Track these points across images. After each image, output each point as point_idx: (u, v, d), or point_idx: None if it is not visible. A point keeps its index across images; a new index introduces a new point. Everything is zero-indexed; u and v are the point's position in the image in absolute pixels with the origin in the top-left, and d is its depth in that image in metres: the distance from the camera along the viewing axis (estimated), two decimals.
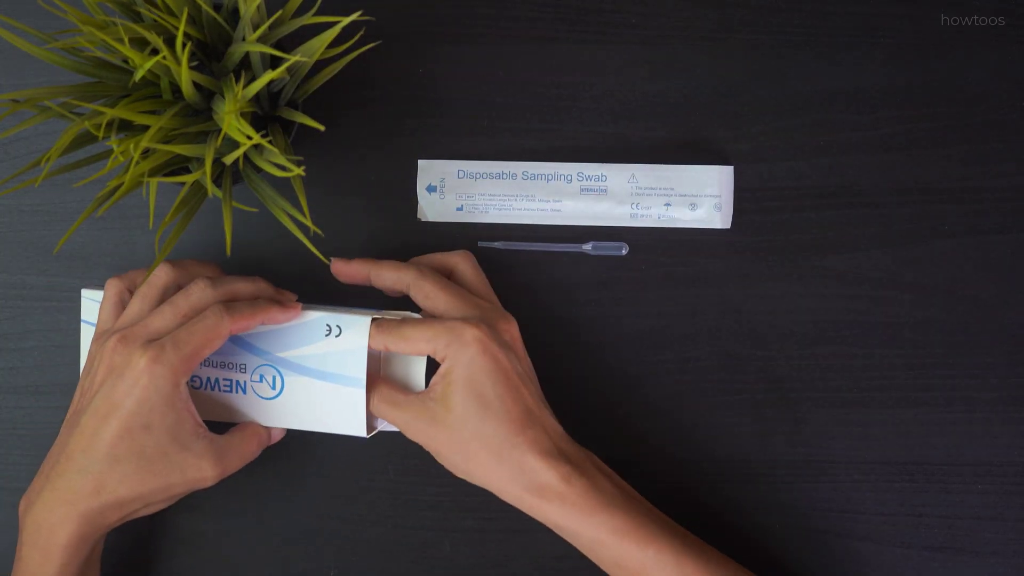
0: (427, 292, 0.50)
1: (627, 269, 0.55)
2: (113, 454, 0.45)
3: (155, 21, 0.44)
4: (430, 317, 0.50)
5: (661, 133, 0.56)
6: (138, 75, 0.41)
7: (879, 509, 0.55)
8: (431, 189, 0.55)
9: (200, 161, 0.46)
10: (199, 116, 0.46)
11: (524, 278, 0.56)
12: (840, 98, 0.55)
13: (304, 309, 0.50)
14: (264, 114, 0.49)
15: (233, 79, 0.44)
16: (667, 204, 0.55)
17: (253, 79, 0.46)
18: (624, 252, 0.55)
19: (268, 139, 0.46)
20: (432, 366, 0.51)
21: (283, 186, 0.53)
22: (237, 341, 0.50)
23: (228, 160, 0.45)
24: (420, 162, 0.55)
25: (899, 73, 0.55)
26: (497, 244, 0.55)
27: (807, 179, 0.55)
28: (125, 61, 0.45)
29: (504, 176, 0.55)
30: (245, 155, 0.45)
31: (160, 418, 0.46)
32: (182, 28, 0.40)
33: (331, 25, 0.44)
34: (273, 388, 0.51)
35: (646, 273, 0.55)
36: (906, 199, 0.55)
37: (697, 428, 0.55)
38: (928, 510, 0.55)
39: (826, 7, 0.55)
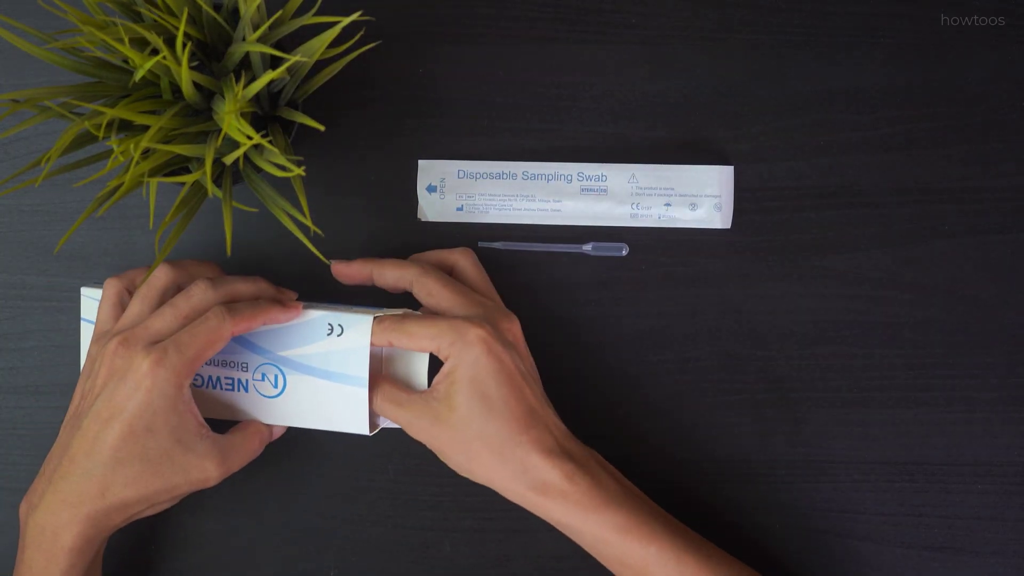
0: (430, 289, 0.50)
1: (627, 269, 0.55)
2: (116, 457, 0.45)
3: (155, 21, 0.44)
4: (432, 314, 0.50)
5: (661, 133, 0.56)
6: (138, 75, 0.41)
7: (879, 509, 0.55)
8: (431, 189, 0.55)
9: (200, 161, 0.46)
10: (199, 116, 0.46)
11: (524, 278, 0.56)
12: (840, 98, 0.55)
13: (305, 308, 0.50)
14: (264, 114, 0.49)
15: (233, 79, 0.44)
16: (667, 204, 0.55)
17: (253, 79, 0.46)
18: (624, 253, 0.55)
19: (268, 139, 0.46)
20: (433, 365, 0.51)
21: (283, 186, 0.53)
22: (239, 340, 0.50)
23: (228, 160, 0.45)
24: (420, 162, 0.55)
25: (899, 73, 0.55)
26: (497, 244, 0.55)
27: (807, 179, 0.55)
28: (125, 61, 0.45)
29: (504, 176, 0.55)
30: (245, 155, 0.45)
31: (163, 421, 0.46)
32: (182, 28, 0.40)
33: (331, 25, 0.44)
34: (275, 387, 0.51)
35: (646, 273, 0.55)
36: (906, 199, 0.55)
37: (697, 428, 0.55)
38: (928, 510, 0.55)
39: (826, 7, 0.55)
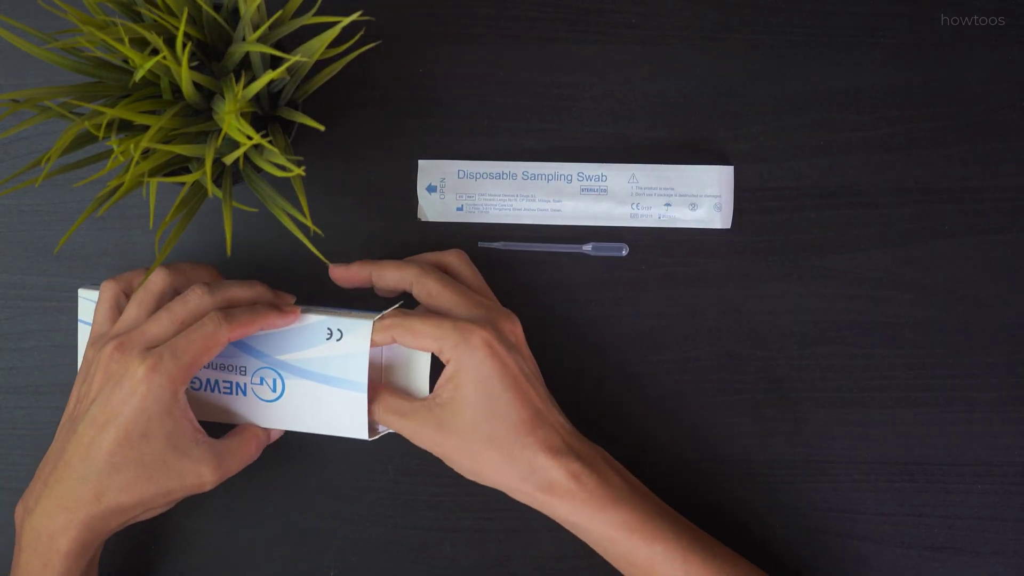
0: (430, 290, 0.50)
1: (627, 269, 0.55)
2: (112, 462, 0.45)
3: (155, 21, 0.44)
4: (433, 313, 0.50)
5: (661, 133, 0.55)
6: (138, 75, 0.41)
7: (879, 509, 0.55)
8: (431, 189, 0.55)
9: (200, 161, 0.45)
10: (199, 116, 0.46)
11: (524, 278, 0.56)
12: (840, 98, 0.55)
13: (304, 312, 0.50)
14: (264, 114, 0.49)
15: (233, 79, 0.44)
16: (667, 204, 0.55)
17: (253, 79, 0.46)
18: (624, 253, 0.55)
19: (268, 139, 0.46)
20: (433, 366, 0.51)
21: (283, 186, 0.53)
22: (237, 344, 0.50)
23: (228, 160, 0.45)
24: (420, 162, 0.55)
25: (899, 73, 0.55)
26: (497, 244, 0.55)
27: (807, 179, 0.55)
28: (125, 61, 0.45)
29: (504, 176, 0.55)
30: (245, 155, 0.45)
31: (158, 427, 0.45)
32: (182, 28, 0.40)
33: (331, 25, 0.44)
34: (274, 391, 0.50)
35: (646, 273, 0.55)
36: (906, 199, 0.55)
37: (697, 428, 0.55)
38: (928, 510, 0.55)
39: (826, 7, 0.55)
